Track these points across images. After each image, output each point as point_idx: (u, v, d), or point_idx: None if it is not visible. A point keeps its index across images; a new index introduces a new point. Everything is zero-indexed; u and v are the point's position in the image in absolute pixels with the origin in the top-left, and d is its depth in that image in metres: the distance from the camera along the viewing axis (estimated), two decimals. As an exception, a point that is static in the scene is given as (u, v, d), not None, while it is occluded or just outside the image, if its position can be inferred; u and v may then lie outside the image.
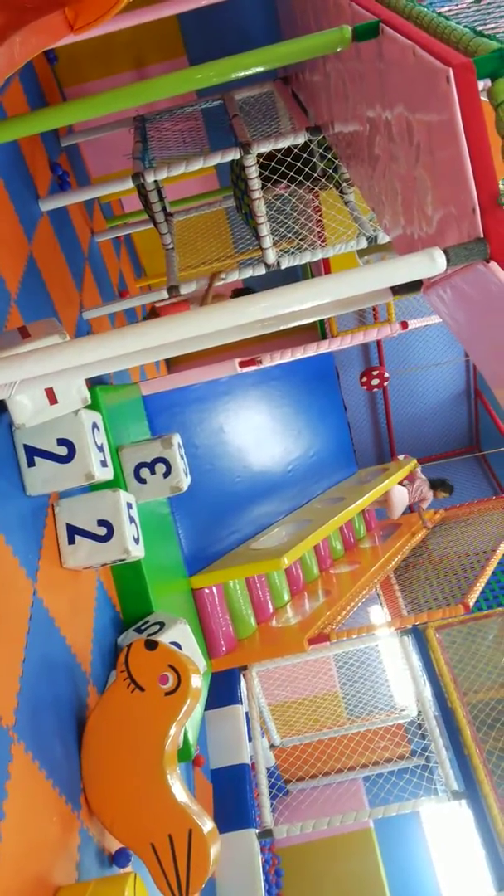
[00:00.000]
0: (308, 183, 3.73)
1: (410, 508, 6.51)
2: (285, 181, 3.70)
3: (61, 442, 2.69)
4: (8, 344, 2.35)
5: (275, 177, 3.66)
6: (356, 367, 7.81)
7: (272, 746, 5.45)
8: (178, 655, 2.55)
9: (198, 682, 2.55)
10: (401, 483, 6.31)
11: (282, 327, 2.36)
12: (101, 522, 2.83)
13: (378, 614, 5.38)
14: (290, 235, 3.94)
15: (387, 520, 6.62)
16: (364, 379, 7.03)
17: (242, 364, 3.83)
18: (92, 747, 2.47)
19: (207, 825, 2.39)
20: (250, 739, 4.41)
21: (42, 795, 2.14)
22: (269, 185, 3.61)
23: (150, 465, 3.45)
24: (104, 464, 2.87)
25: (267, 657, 4.52)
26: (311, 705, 5.66)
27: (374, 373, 6.96)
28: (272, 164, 3.57)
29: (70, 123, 2.57)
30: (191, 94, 4.49)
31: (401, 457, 6.86)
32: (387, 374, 7.03)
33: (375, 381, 7.00)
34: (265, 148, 3.33)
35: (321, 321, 6.61)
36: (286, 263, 3.71)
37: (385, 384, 7.12)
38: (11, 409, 2.55)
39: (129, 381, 4.60)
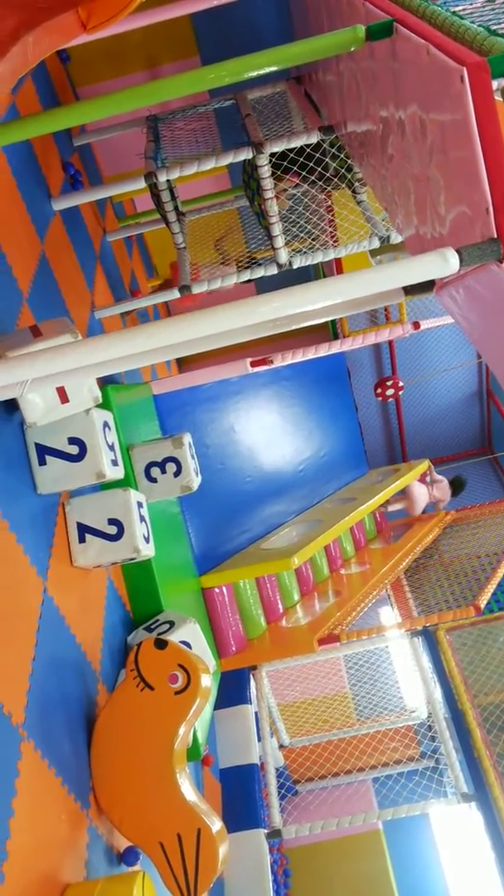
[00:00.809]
0: (321, 183, 3.73)
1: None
2: (294, 169, 3.69)
3: (72, 441, 2.70)
4: (20, 343, 2.36)
5: (287, 177, 3.65)
6: (368, 367, 7.79)
7: (281, 746, 5.44)
8: (187, 655, 2.55)
9: (207, 682, 2.55)
10: (423, 481, 6.34)
11: (293, 327, 2.36)
12: (112, 521, 2.84)
13: (388, 615, 5.37)
14: (302, 235, 3.93)
15: (398, 520, 6.61)
16: (379, 390, 7.02)
17: (254, 364, 3.83)
18: (101, 745, 2.48)
19: (216, 825, 2.39)
20: (259, 739, 4.41)
21: (51, 793, 2.15)
22: (279, 172, 3.60)
23: (161, 465, 3.46)
24: (115, 463, 2.88)
25: (277, 657, 4.52)
26: (321, 706, 5.66)
27: (389, 383, 6.95)
28: (284, 163, 3.57)
29: (83, 123, 2.57)
30: (203, 93, 4.49)
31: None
32: (401, 384, 7.02)
33: (390, 392, 7.00)
34: (277, 147, 3.32)
35: (333, 321, 6.60)
36: (298, 263, 3.71)
37: (401, 394, 7.12)
38: (23, 407, 2.56)
39: (140, 380, 4.61)
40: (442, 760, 4.78)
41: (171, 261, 4.52)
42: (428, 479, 6.43)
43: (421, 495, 6.30)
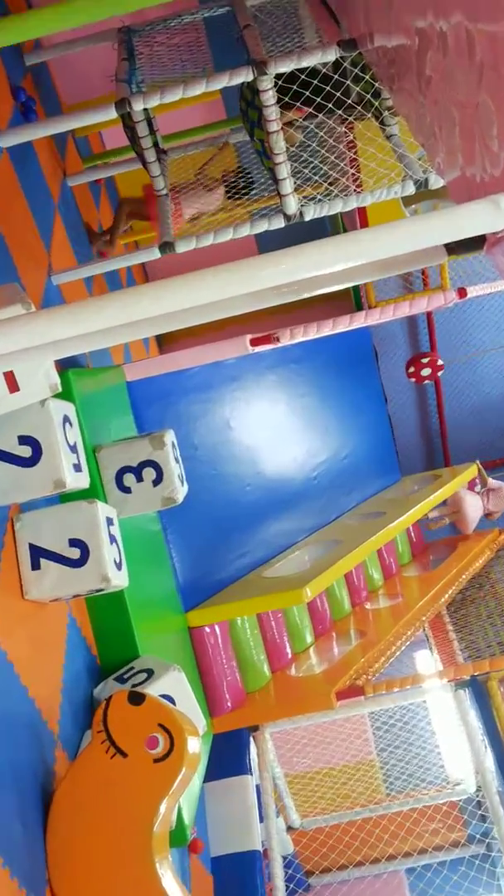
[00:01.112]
0: (340, 112, 3.72)
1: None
2: (306, 94, 3.69)
3: (24, 440, 2.70)
4: (-43, 315, 2.35)
5: (296, 104, 3.65)
6: (400, 346, 7.78)
7: (290, 829, 5.44)
8: (170, 712, 2.55)
9: (195, 747, 2.55)
10: (471, 489, 6.36)
11: (305, 295, 2.36)
12: (74, 542, 2.83)
13: (426, 661, 5.37)
14: (316, 178, 3.93)
15: (439, 541, 6.60)
16: (412, 369, 7.00)
17: (255, 342, 3.82)
18: (60, 827, 2.47)
19: (207, 929, 2.39)
20: (262, 820, 4.41)
21: (-3, 889, 2.15)
22: (286, 99, 3.60)
23: (137, 471, 3.45)
24: (78, 468, 2.87)
25: (284, 715, 4.52)
26: (341, 777, 5.65)
27: (425, 360, 6.93)
28: (293, 88, 3.56)
29: (37, 36, 2.57)
30: (191, -2, 4.50)
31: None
32: (440, 362, 7.00)
33: (426, 372, 6.97)
34: (285, 67, 3.32)
35: (356, 288, 6.59)
36: (311, 214, 3.71)
37: (439, 374, 7.10)
38: (-39, 398, 2.56)
39: (110, 363, 4.61)
40: (494, 846, 4.77)
41: (145, 183, 4.49)
42: (478, 487, 6.43)
43: (471, 507, 6.30)
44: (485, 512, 6.46)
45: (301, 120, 3.96)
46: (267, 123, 3.42)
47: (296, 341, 3.83)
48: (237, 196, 4.26)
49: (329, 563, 4.42)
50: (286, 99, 3.58)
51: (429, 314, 7.58)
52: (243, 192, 4.34)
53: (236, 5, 4.15)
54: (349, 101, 3.67)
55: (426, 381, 7.31)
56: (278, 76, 3.38)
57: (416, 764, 5.65)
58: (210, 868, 4.19)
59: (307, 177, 3.89)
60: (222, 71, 3.43)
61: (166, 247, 3.76)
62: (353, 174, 4.12)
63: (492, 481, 6.51)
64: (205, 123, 5.18)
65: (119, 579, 2.94)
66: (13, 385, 2.61)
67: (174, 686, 3.08)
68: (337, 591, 5.17)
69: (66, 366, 3.38)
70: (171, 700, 3.02)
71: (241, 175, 4.43)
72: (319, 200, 3.80)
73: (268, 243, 5.56)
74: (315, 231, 5.74)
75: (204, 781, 4.01)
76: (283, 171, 3.54)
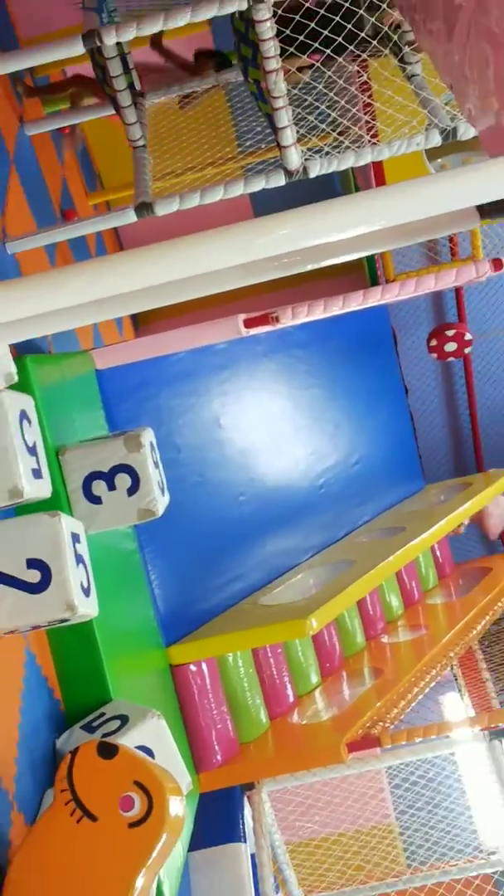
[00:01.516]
0: (351, 47, 3.73)
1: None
2: (315, 45, 3.69)
3: (-27, 440, 2.70)
4: None
5: (301, 38, 3.66)
6: (423, 329, 7.77)
7: (292, 907, 5.44)
8: (148, 768, 2.54)
9: (178, 808, 2.55)
10: None
11: (310, 267, 2.36)
12: (33, 563, 2.83)
13: (456, 706, 5.37)
14: (322, 127, 3.94)
15: (470, 562, 6.61)
16: (434, 342, 7.00)
17: (249, 323, 3.82)
18: (17, 906, 2.47)
19: None
20: (258, 895, 4.41)
21: None
22: (292, 51, 3.61)
23: (109, 477, 3.45)
24: (37, 474, 2.87)
25: (285, 771, 4.51)
26: (353, 844, 5.66)
27: (450, 333, 6.93)
28: (297, 17, 3.57)
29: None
30: None
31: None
32: (468, 336, 7.01)
33: (452, 347, 6.97)
34: (285, -8, 3.33)
35: (371, 259, 6.60)
36: (317, 170, 3.71)
37: (467, 351, 7.10)
38: None
39: (77, 348, 4.60)
40: (537, 928, 4.78)
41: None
42: None
43: (497, 506, 6.37)
44: None
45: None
46: (264, 61, 3.42)
47: (299, 322, 3.83)
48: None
49: (338, 588, 4.43)
50: (291, 49, 3.59)
51: (458, 291, 7.59)
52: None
53: None
54: (362, 35, 3.68)
55: (452, 359, 7.30)
56: (277, 4, 3.39)
57: (443, 829, 5.65)
58: None
59: (312, 125, 3.89)
60: (211, -2, 3.44)
61: (144, 208, 3.77)
62: (367, 122, 4.13)
63: None
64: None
65: (87, 607, 2.93)
66: (-40, 374, 2.62)
67: (153, 736, 3.08)
68: (348, 622, 5.17)
69: (23, 351, 3.38)
70: (150, 753, 3.02)
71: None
72: (327, 153, 3.81)
73: (266, 206, 5.57)
74: (322, 191, 5.74)
75: (188, 850, 4.01)
76: (284, 117, 3.55)
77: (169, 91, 4.77)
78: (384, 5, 3.56)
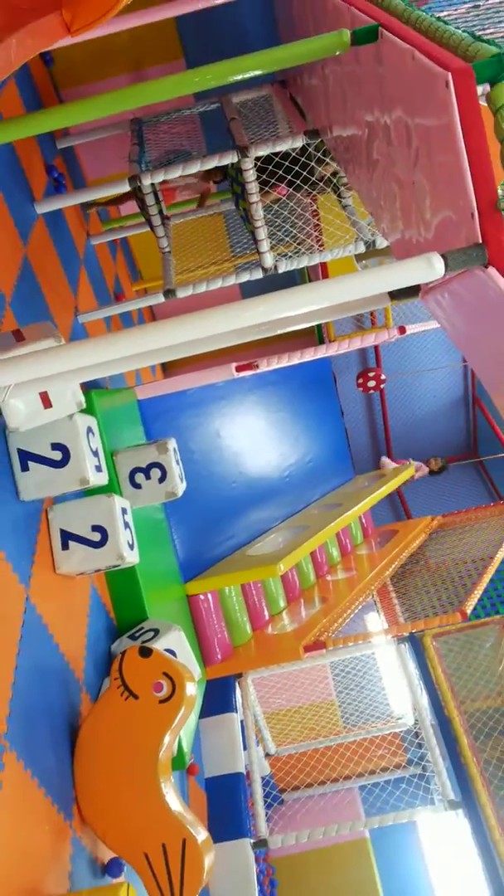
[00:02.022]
0: (306, 187, 3.74)
1: None
2: (283, 185, 3.70)
3: (55, 446, 2.69)
4: (2, 347, 2.34)
5: (272, 181, 3.67)
6: (354, 371, 7.80)
7: (267, 755, 5.43)
8: (172, 663, 2.54)
9: (192, 690, 2.54)
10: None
11: (279, 331, 2.36)
12: (96, 528, 2.83)
13: (375, 622, 5.38)
14: (287, 239, 3.95)
15: (384, 526, 6.62)
16: (360, 381, 7.05)
17: (239, 368, 3.83)
18: (85, 756, 2.46)
19: (202, 834, 2.38)
20: (245, 748, 4.40)
21: (34, 804, 2.13)
22: (267, 189, 3.61)
23: (146, 471, 3.45)
24: (99, 468, 2.87)
25: (262, 665, 4.51)
26: (307, 713, 5.65)
27: (371, 374, 6.98)
28: (270, 167, 3.58)
29: (66, 126, 2.57)
30: (188, 96, 4.50)
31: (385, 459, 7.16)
32: (384, 377, 7.06)
33: (372, 384, 7.02)
34: (263, 151, 3.33)
35: (319, 326, 6.61)
36: (284, 267, 3.72)
37: (382, 387, 7.15)
38: (6, 412, 2.54)
39: (124, 385, 4.60)
40: (429, 768, 4.78)
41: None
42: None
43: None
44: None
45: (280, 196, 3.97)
46: (248, 196, 3.43)
47: (272, 368, 3.83)
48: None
49: (298, 543, 4.43)
50: (270, 183, 3.58)
51: (376, 347, 7.61)
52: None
53: (224, 102, 4.17)
54: (313, 179, 3.69)
55: (372, 392, 7.37)
56: (257, 158, 3.40)
57: (367, 703, 5.65)
58: (204, 787, 4.18)
59: (281, 237, 3.90)
60: (213, 153, 3.45)
61: (169, 293, 3.77)
62: (316, 236, 4.14)
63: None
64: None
65: (132, 557, 2.93)
66: (47, 402, 2.61)
67: (175, 642, 3.07)
68: (304, 566, 5.17)
69: (89, 387, 3.37)
70: (173, 653, 3.01)
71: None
72: (290, 256, 3.81)
73: (250, 290, 5.57)
74: (287, 281, 5.75)
75: (199, 717, 4.00)
76: (262, 233, 3.55)
77: (185, 216, 4.77)
78: (327, 159, 3.56)
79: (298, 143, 3.34)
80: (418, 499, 7.70)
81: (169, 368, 6.72)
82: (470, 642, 5.10)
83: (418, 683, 4.80)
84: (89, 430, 2.83)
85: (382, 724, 5.58)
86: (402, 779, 5.28)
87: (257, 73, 2.34)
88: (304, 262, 3.74)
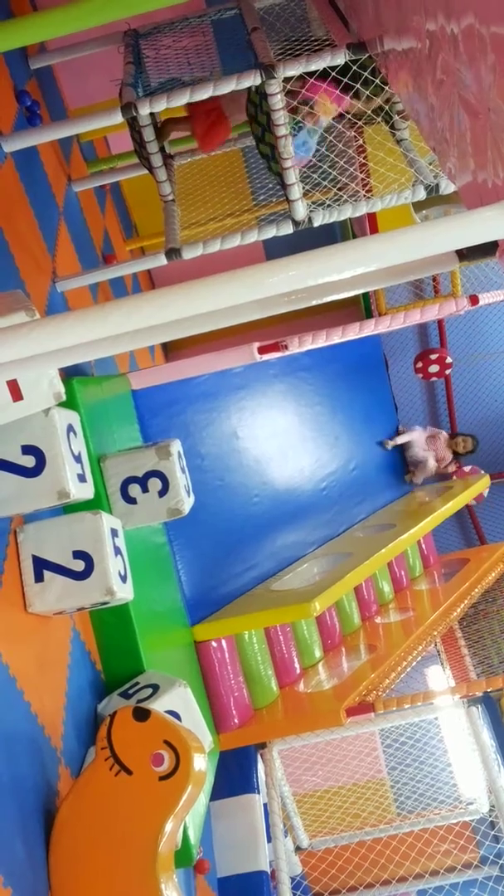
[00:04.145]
0: (350, 115, 3.73)
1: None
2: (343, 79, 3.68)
3: (27, 450, 2.70)
4: (-40, 323, 2.36)
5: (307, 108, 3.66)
6: (411, 354, 7.78)
7: (298, 849, 5.42)
8: (176, 729, 2.54)
9: (202, 764, 2.54)
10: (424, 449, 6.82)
11: (315, 303, 2.36)
12: (78, 554, 2.83)
13: (438, 677, 5.35)
14: (325, 184, 3.94)
15: (450, 554, 6.59)
16: (420, 364, 7.02)
17: (262, 350, 3.83)
18: (63, 846, 2.47)
19: None
20: (269, 840, 4.39)
21: (-2, 909, 2.14)
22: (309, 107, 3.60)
23: (142, 481, 3.46)
24: (82, 478, 2.88)
25: (292, 732, 4.50)
26: (350, 796, 5.63)
27: (433, 356, 6.95)
28: (302, 90, 3.57)
29: (42, 40, 2.59)
30: (198, 0, 4.52)
31: (466, 468, 7.00)
32: (449, 359, 7.02)
33: (435, 368, 6.99)
34: (294, 71, 3.33)
35: (366, 295, 6.60)
36: (320, 220, 3.71)
37: (447, 373, 7.11)
38: (-36, 406, 2.56)
39: (115, 371, 4.62)
40: (509, 868, 4.74)
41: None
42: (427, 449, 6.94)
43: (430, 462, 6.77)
44: (437, 459, 6.94)
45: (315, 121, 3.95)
46: (275, 128, 3.43)
47: (304, 349, 3.83)
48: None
49: (338, 576, 4.42)
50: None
51: (440, 322, 7.58)
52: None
53: (244, 7, 4.16)
54: (358, 105, 3.68)
55: (435, 379, 7.33)
56: (287, 79, 3.39)
57: (428, 783, 5.62)
58: (216, 889, 4.18)
59: (316, 182, 3.89)
60: (230, 75, 3.45)
61: (172, 253, 3.77)
62: (362, 179, 4.13)
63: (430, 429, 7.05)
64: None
65: (124, 592, 2.93)
66: (17, 394, 2.62)
67: (180, 702, 3.07)
68: (346, 605, 5.16)
69: (70, 374, 3.39)
70: (177, 716, 3.01)
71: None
72: (328, 206, 3.81)
73: (276, 250, 5.57)
74: (324, 237, 5.75)
75: (210, 800, 3.99)
76: (292, 175, 3.55)
77: (194, 154, 4.78)
78: (377, 80, 3.55)
79: (339, 59, 3.33)
80: (495, 520, 7.65)
81: (172, 350, 6.74)
82: None
83: (495, 757, 4.77)
84: (70, 428, 2.84)
85: (448, 811, 5.54)
86: (473, 881, 5.24)
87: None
88: (346, 212, 3.73)
